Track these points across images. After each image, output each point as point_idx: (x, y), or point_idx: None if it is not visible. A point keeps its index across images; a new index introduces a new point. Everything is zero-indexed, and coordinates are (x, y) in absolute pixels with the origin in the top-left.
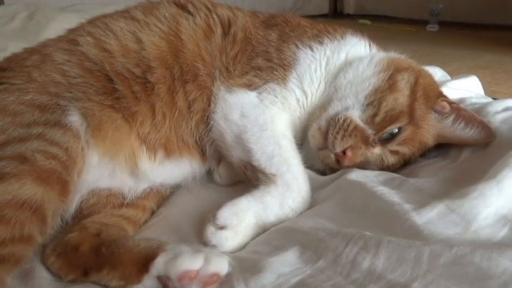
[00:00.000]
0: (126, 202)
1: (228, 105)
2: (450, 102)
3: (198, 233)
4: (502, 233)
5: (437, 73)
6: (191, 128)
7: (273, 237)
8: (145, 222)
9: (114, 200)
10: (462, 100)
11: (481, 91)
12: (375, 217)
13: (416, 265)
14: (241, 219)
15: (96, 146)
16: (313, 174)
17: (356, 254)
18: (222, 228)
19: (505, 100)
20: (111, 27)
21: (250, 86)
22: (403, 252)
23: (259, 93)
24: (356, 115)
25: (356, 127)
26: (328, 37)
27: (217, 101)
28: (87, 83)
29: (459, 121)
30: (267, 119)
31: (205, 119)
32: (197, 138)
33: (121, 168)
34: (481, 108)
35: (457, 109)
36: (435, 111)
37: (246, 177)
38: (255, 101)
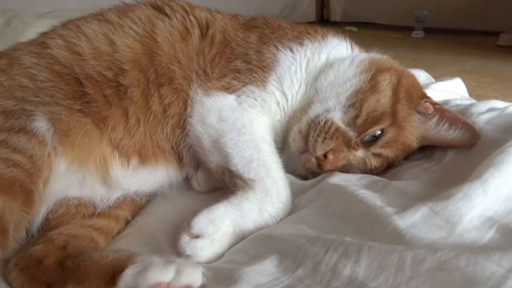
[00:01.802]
0: (97, 212)
1: (206, 109)
2: (433, 103)
3: (173, 243)
4: (488, 235)
5: (421, 76)
6: (167, 133)
7: (250, 245)
8: (119, 232)
9: (84, 209)
10: (446, 102)
11: (465, 93)
12: (356, 222)
13: (399, 271)
14: (218, 227)
15: (64, 152)
16: (294, 179)
17: (336, 261)
18: (197, 237)
19: (489, 101)
20: (83, 29)
21: (228, 89)
22: (385, 258)
23: (238, 96)
24: (337, 117)
25: (337, 129)
26: (308, 38)
27: (194, 105)
28: (55, 86)
29: (443, 122)
30: (246, 122)
31: (182, 124)
32: (173, 144)
33: (91, 176)
34: (465, 109)
35: (441, 110)
36: (418, 113)
37: (224, 184)
38: (234, 104)
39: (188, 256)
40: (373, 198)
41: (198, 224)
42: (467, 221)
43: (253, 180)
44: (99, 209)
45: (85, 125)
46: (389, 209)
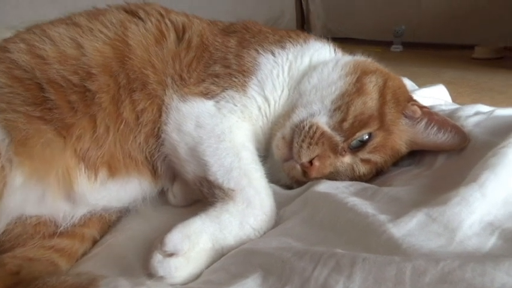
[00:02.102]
0: (59, 231)
1: (182, 115)
2: (421, 107)
3: (144, 263)
4: (491, 242)
5: (405, 83)
6: (140, 142)
7: (230, 262)
8: (85, 253)
9: (44, 229)
10: (431, 107)
11: (449, 99)
12: (346, 232)
13: (398, 286)
14: (194, 244)
15: (21, 164)
16: (278, 188)
17: (327, 277)
18: (171, 255)
19: (475, 105)
20: (48, 33)
21: (207, 95)
22: (381, 271)
23: (217, 101)
24: (323, 121)
25: (323, 134)
26: (290, 42)
27: (169, 111)
28: (13, 92)
29: (432, 126)
30: (225, 128)
31: (156, 132)
32: (147, 154)
33: (53, 191)
34: (452, 113)
35: (429, 113)
36: (406, 117)
37: (202, 195)
38: (212, 110)
39: (161, 277)
40: (364, 206)
41: (172, 241)
42: (467, 226)
43: (233, 190)
44: (61, 228)
45: (45, 133)
46: (382, 217)
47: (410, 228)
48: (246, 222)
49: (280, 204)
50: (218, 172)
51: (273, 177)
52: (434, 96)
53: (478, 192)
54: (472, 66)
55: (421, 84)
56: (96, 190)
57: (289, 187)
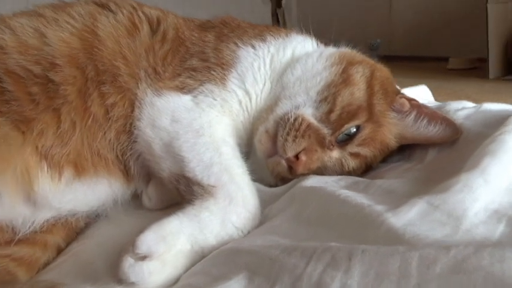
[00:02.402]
0: (17, 238)
1: (156, 110)
2: (409, 100)
3: (113, 270)
4: (499, 230)
5: None
6: (110, 139)
7: (211, 264)
8: (48, 263)
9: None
10: None
11: (432, 99)
12: (340, 225)
13: (403, 279)
14: (171, 245)
15: None
16: (262, 186)
17: (322, 273)
18: (144, 258)
19: (461, 101)
20: (9, 23)
21: (183, 89)
22: (383, 263)
23: (195, 96)
24: (308, 113)
25: (309, 126)
26: (271, 35)
27: (143, 106)
28: None
29: (421, 118)
30: (204, 123)
31: (128, 128)
32: (118, 152)
33: (10, 192)
34: (439, 108)
35: (418, 106)
36: (394, 110)
37: (179, 195)
38: (190, 104)
39: (133, 284)
40: (358, 197)
41: (146, 242)
42: (472, 214)
43: (214, 187)
44: (20, 234)
45: (1, 127)
46: (379, 207)
47: (411, 218)
48: (228, 220)
49: (265, 203)
50: (197, 168)
51: (256, 176)
52: (417, 96)
53: (481, 178)
54: (447, 76)
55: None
56: (60, 192)
57: (274, 186)
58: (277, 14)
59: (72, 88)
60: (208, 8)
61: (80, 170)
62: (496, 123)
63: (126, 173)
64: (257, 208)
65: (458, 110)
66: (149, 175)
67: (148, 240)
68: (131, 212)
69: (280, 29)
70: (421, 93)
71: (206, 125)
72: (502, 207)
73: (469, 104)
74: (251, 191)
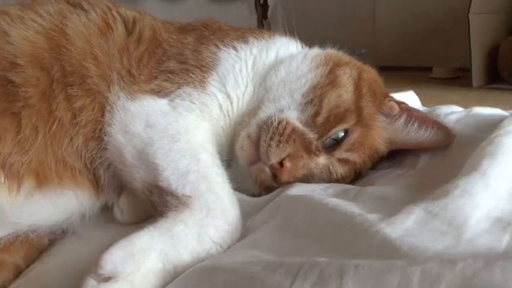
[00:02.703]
0: None
1: (130, 115)
2: (398, 103)
3: None
4: (505, 240)
5: None
6: (77, 146)
7: (185, 284)
8: (4, 286)
9: None
10: None
11: (419, 104)
12: (329, 237)
13: None
14: (140, 264)
15: None
16: (244, 196)
17: None
18: (109, 279)
19: (450, 106)
20: None
21: (159, 92)
22: (380, 281)
23: (171, 100)
24: (293, 116)
25: (294, 130)
26: (254, 37)
27: (114, 111)
28: None
29: (412, 122)
30: (181, 128)
31: (98, 134)
32: (86, 160)
33: None
34: (428, 113)
35: (408, 109)
36: (383, 114)
37: (153, 206)
38: (166, 108)
39: None
40: (348, 206)
41: (111, 261)
42: (474, 223)
43: (189, 197)
44: None
45: None
46: (372, 216)
47: (408, 227)
48: (206, 234)
49: (247, 214)
50: (171, 177)
51: (238, 186)
52: (405, 101)
53: (481, 182)
54: (432, 85)
55: None
56: (18, 205)
57: (258, 197)
58: (263, 25)
59: (35, 90)
60: (194, 18)
61: (42, 180)
62: (488, 126)
63: (96, 183)
64: (238, 220)
65: (448, 114)
66: (121, 186)
67: (114, 258)
68: (101, 226)
69: (263, 31)
70: (408, 99)
71: (183, 130)
72: (505, 214)
73: (459, 109)
74: (231, 202)
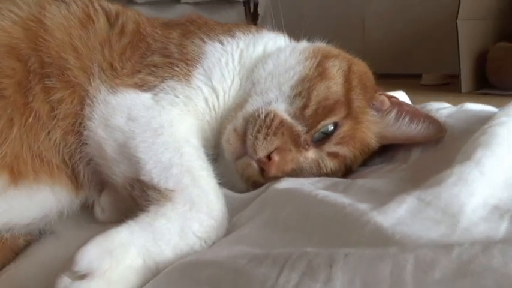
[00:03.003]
0: None
1: (111, 108)
2: (389, 97)
3: None
4: (503, 227)
5: None
6: (55, 140)
7: (166, 281)
8: None
9: None
10: None
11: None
12: (318, 229)
13: (397, 286)
14: (118, 260)
15: None
16: (230, 192)
17: (297, 284)
18: (84, 277)
19: (440, 103)
20: None
21: (142, 86)
22: (372, 269)
23: (155, 94)
24: (281, 108)
25: (282, 122)
26: (241, 31)
27: (95, 105)
28: None
29: (403, 117)
30: (164, 122)
31: (77, 128)
32: (65, 155)
33: None
34: (420, 109)
35: (398, 104)
36: (373, 108)
37: (134, 201)
38: (149, 102)
39: None
40: (338, 197)
41: (87, 257)
42: (470, 211)
43: (172, 191)
44: None
45: None
46: (363, 205)
47: (401, 216)
48: (189, 228)
49: (233, 210)
50: (154, 170)
51: (225, 183)
52: None
53: (476, 170)
54: (422, 92)
55: None
56: None
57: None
58: None
59: (10, 81)
60: None
61: (16, 175)
62: (480, 120)
63: (75, 179)
64: (223, 215)
65: (439, 109)
66: (102, 183)
67: (90, 254)
68: (81, 225)
69: (251, 26)
70: (400, 99)
71: (167, 124)
72: (502, 202)
73: (449, 105)
74: (217, 196)
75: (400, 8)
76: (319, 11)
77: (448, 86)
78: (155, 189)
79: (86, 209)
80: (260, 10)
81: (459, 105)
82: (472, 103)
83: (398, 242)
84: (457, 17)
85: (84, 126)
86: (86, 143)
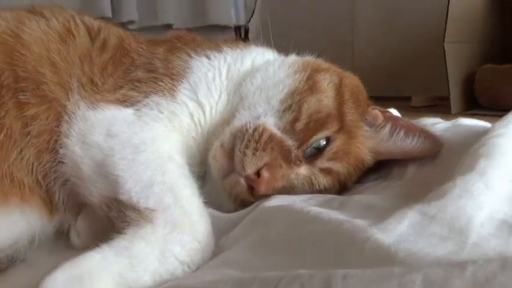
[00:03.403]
0: None
1: (90, 125)
2: (382, 111)
3: None
4: None
5: None
6: (28, 159)
7: None
8: None
9: None
10: None
11: None
12: (312, 247)
13: None
14: None
15: None
16: (216, 212)
17: None
18: None
19: (434, 118)
20: None
21: (125, 102)
22: None
23: (138, 109)
24: (270, 122)
25: (272, 137)
26: (228, 46)
27: (73, 121)
28: None
29: (397, 131)
30: (147, 138)
31: (53, 146)
32: (39, 176)
33: None
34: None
35: (392, 118)
36: (366, 123)
37: (110, 223)
38: (131, 118)
39: None
40: (333, 214)
41: (53, 285)
42: (478, 225)
43: (153, 210)
44: None
45: None
46: (361, 222)
47: (403, 232)
48: (170, 252)
49: (220, 231)
50: (134, 189)
51: (212, 202)
52: None
53: (480, 182)
54: (412, 114)
55: None
56: None
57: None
58: None
59: None
60: None
61: None
62: (477, 133)
63: (49, 201)
64: (209, 237)
65: (434, 124)
66: (79, 205)
67: (57, 282)
68: (55, 252)
69: (238, 42)
70: None
71: (149, 140)
72: (509, 217)
73: (443, 120)
74: (201, 216)
75: (389, 32)
76: (309, 35)
77: (437, 107)
78: (134, 209)
79: (61, 235)
80: (251, 35)
81: (453, 120)
82: (465, 118)
83: (403, 261)
84: (443, 40)
85: (60, 144)
86: (62, 162)
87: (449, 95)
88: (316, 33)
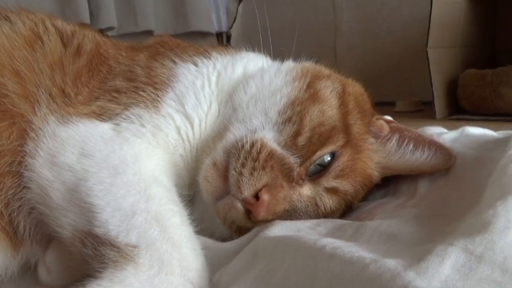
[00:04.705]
0: None
1: (60, 142)
2: (388, 121)
3: None
4: None
5: None
6: None
7: None
8: None
9: None
10: None
11: None
12: None
13: None
14: None
15: None
16: (210, 241)
17: None
18: None
19: (436, 127)
20: None
21: (101, 115)
22: None
23: (117, 123)
24: (269, 137)
25: (271, 154)
26: (217, 52)
27: (41, 138)
28: None
29: (405, 144)
30: (127, 157)
31: (16, 168)
32: (0, 203)
33: None
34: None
35: (399, 129)
36: (371, 135)
37: (86, 263)
38: (108, 133)
39: None
40: (353, 249)
41: None
42: None
43: (135, 247)
44: None
45: None
46: (391, 262)
47: (448, 277)
48: None
49: (215, 265)
50: (111, 220)
51: (204, 230)
52: None
53: None
54: (397, 118)
55: None
56: None
57: (228, 241)
58: None
59: None
60: None
61: None
62: (488, 145)
63: (13, 233)
64: (203, 275)
65: (441, 134)
66: (48, 236)
67: None
68: None
69: (229, 47)
70: None
71: (130, 159)
72: None
73: (444, 130)
74: (193, 250)
75: (372, 37)
76: (292, 41)
77: (421, 112)
78: (112, 245)
79: (28, 271)
80: (233, 42)
81: (460, 129)
82: (470, 126)
83: None
84: (426, 45)
85: (25, 166)
86: (28, 187)
87: (433, 100)
88: (299, 39)
